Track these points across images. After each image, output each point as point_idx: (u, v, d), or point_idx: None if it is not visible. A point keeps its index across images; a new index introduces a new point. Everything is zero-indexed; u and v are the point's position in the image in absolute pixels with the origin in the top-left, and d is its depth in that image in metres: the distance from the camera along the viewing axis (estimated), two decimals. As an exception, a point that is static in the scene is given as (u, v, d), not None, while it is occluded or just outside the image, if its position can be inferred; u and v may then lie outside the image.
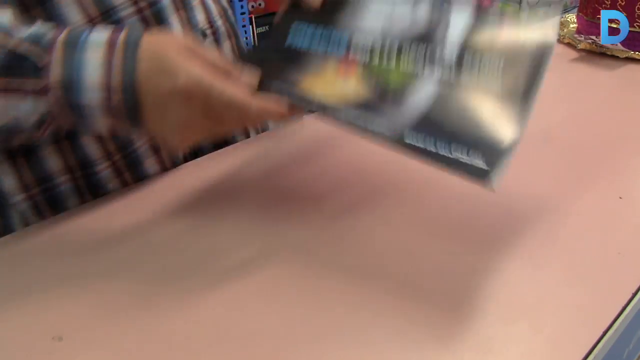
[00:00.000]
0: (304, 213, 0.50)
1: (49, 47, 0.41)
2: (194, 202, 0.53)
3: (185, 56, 0.41)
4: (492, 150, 0.39)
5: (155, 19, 0.55)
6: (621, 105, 0.71)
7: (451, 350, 0.36)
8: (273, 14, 1.75)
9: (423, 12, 0.48)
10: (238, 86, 0.42)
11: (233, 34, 0.66)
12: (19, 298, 0.42)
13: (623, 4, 0.83)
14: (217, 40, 0.64)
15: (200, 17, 0.61)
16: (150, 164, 0.59)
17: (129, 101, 0.41)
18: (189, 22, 0.59)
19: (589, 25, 0.89)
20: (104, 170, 0.56)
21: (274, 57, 0.49)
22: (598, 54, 0.85)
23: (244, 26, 1.66)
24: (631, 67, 0.81)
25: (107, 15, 0.51)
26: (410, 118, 0.42)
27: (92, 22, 0.50)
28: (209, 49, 0.46)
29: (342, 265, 0.43)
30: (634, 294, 0.40)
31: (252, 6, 1.68)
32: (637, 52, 0.82)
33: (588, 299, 0.40)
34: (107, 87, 0.41)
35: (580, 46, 0.87)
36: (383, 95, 0.44)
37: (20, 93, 0.41)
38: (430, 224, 0.48)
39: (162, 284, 0.43)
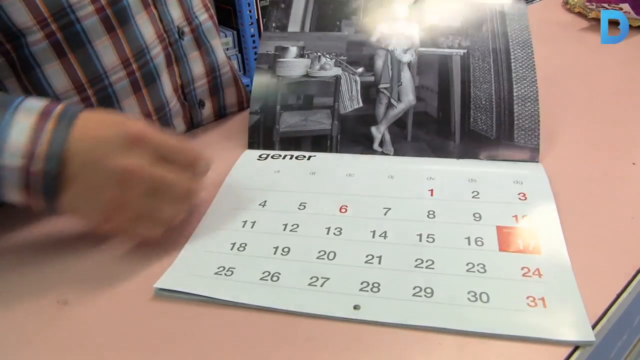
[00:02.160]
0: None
1: None
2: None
3: (123, 145, 0.38)
4: None
5: (118, 19, 0.49)
6: (633, 74, 0.70)
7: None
8: None
9: None
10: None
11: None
12: (24, 260, 0.43)
13: None
14: (198, 39, 0.58)
15: (175, 14, 0.55)
16: None
17: (50, 173, 0.37)
18: (161, 20, 0.54)
19: None
20: None
21: None
22: (609, 23, 0.83)
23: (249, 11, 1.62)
24: None
25: (59, 16, 0.45)
26: None
27: (41, 25, 0.45)
28: (159, 135, 0.40)
29: None
30: None
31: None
32: None
33: (602, 261, 0.39)
34: (31, 154, 0.37)
35: (591, 15, 0.85)
36: None
37: None
38: None
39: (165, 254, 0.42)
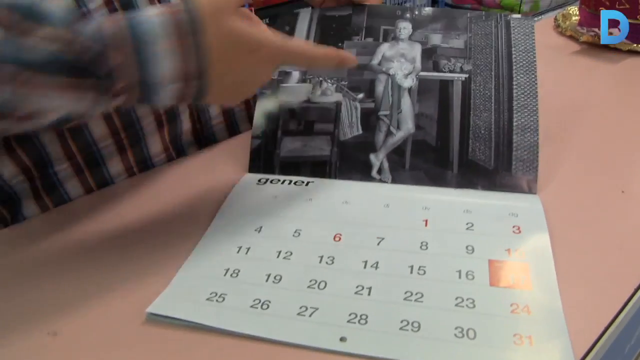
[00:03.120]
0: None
1: (115, 45, 0.36)
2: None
3: (249, 23, 0.41)
4: None
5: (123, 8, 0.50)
6: (623, 99, 0.70)
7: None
8: (275, 6, 1.73)
9: None
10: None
11: None
12: (14, 293, 0.42)
13: None
14: None
15: None
16: (114, 163, 0.56)
17: (202, 85, 0.40)
18: None
19: (592, 17, 0.87)
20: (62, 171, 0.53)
21: None
22: (600, 47, 0.83)
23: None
24: (633, 60, 0.80)
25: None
26: None
27: None
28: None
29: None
30: (636, 290, 0.39)
31: (248, -4, 1.65)
32: (639, 45, 0.81)
33: (589, 294, 0.39)
34: (184, 76, 0.38)
35: (583, 39, 0.86)
36: None
37: (90, 93, 0.36)
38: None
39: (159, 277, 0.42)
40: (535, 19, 2.07)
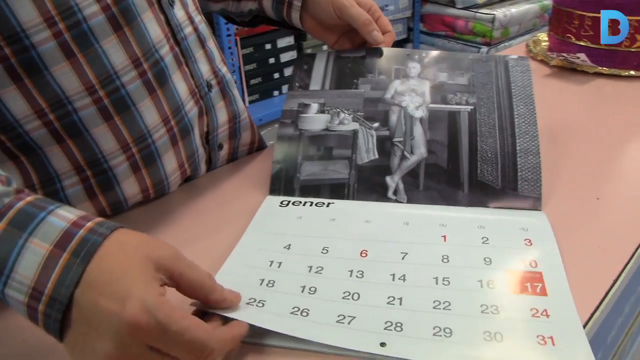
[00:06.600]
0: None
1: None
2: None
3: (149, 277, 0.35)
4: None
5: (157, 80, 0.53)
6: (593, 116, 0.77)
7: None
8: (259, 35, 1.80)
9: None
10: (208, 322, 0.37)
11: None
12: None
13: (590, 24, 0.89)
14: (223, 90, 0.63)
15: (204, 69, 0.60)
16: (128, 184, 0.55)
17: (53, 317, 0.34)
18: (193, 77, 0.58)
19: (560, 43, 0.95)
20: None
21: None
22: (569, 70, 0.92)
23: (229, 48, 1.68)
24: (599, 81, 0.88)
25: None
26: None
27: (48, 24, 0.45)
28: (191, 266, 0.38)
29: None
30: (614, 282, 0.44)
31: (237, 28, 1.71)
32: (604, 68, 0.89)
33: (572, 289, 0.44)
34: (37, 292, 0.34)
35: (553, 62, 0.93)
36: None
37: None
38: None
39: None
40: (506, 43, 2.16)
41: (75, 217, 0.36)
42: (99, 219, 0.37)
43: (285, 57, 1.92)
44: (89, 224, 0.36)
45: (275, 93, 1.95)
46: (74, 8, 0.46)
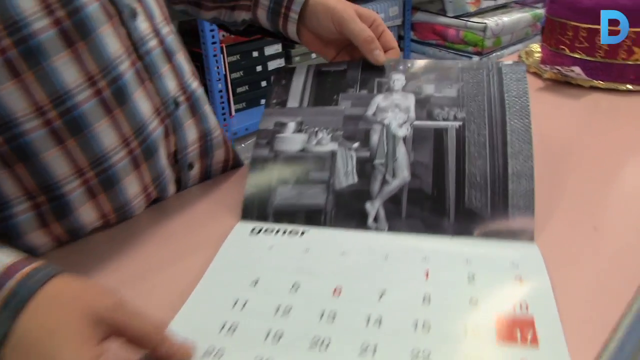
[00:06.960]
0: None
1: None
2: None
3: (85, 335, 0.32)
4: None
5: (117, 99, 0.48)
6: (589, 133, 0.73)
7: None
8: (246, 42, 1.76)
9: None
10: None
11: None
12: None
13: (585, 35, 0.85)
14: (193, 107, 0.58)
15: (171, 85, 0.55)
16: (84, 211, 0.51)
17: None
18: (158, 94, 0.53)
19: (554, 55, 0.91)
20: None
21: None
22: (563, 83, 0.87)
23: (215, 55, 1.64)
24: (595, 95, 0.84)
25: (58, 102, 0.44)
26: None
27: (37, 113, 0.44)
28: (137, 316, 0.35)
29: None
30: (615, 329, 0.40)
31: (223, 35, 1.67)
32: (599, 81, 0.85)
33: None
34: None
35: (546, 75, 0.89)
36: None
37: None
38: None
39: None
40: (498, 52, 2.14)
41: (10, 262, 0.34)
42: (37, 264, 0.34)
43: (273, 64, 1.88)
44: (26, 269, 0.33)
45: (263, 101, 1.90)
46: (20, 23, 0.42)
